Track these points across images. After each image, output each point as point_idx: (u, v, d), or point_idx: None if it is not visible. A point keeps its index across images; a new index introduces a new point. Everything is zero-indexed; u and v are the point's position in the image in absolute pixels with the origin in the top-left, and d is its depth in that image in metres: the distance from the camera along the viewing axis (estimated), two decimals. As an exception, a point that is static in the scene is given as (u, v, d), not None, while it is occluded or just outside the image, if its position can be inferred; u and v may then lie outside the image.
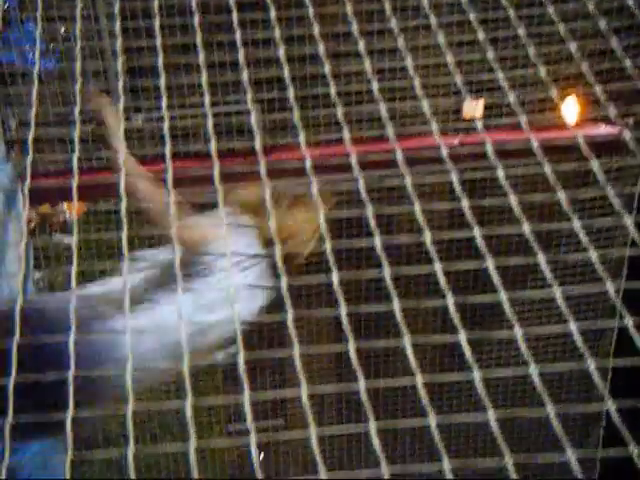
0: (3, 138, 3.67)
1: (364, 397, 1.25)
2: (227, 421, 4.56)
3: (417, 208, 1.59)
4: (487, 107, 3.79)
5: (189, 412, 1.21)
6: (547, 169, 1.69)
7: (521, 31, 1.90)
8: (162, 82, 1.75)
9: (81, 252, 4.05)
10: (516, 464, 1.19)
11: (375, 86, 1.77)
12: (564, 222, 1.72)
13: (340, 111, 1.71)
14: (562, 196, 1.65)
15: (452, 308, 1.47)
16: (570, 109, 4.63)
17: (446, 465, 1.17)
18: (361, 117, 3.50)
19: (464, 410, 4.37)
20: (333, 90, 1.76)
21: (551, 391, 1.36)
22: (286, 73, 1.76)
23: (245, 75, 1.78)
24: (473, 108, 4.77)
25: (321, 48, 1.81)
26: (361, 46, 1.83)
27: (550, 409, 1.31)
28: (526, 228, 1.58)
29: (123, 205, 1.52)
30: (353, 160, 1.64)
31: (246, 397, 1.22)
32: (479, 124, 1.98)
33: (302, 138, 1.67)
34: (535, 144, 1.72)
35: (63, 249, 4.30)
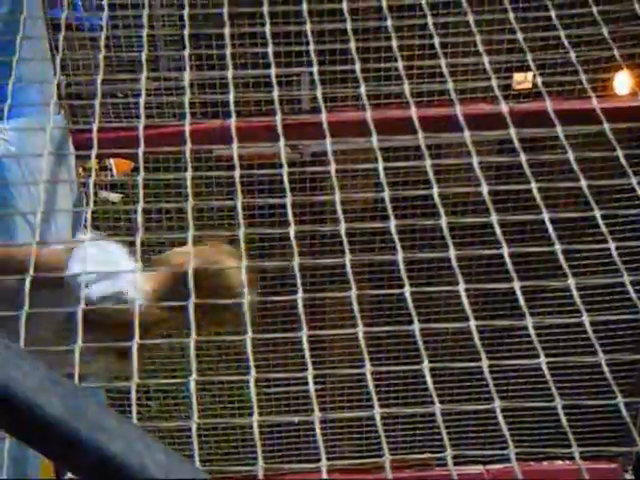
0: (56, 93, 3.68)
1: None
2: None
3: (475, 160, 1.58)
4: (536, 85, 3.78)
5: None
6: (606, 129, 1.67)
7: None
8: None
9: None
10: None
11: (443, 62, 1.74)
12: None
13: (407, 87, 1.69)
14: (620, 153, 1.63)
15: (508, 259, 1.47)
16: (622, 84, 4.60)
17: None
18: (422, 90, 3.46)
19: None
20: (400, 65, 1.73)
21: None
22: (349, 26, 1.74)
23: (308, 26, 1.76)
24: (522, 80, 4.89)
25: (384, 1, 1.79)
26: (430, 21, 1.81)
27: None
28: (584, 184, 1.56)
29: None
30: (414, 115, 1.62)
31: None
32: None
33: (363, 90, 1.65)
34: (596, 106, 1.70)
35: (111, 207, 4.31)
